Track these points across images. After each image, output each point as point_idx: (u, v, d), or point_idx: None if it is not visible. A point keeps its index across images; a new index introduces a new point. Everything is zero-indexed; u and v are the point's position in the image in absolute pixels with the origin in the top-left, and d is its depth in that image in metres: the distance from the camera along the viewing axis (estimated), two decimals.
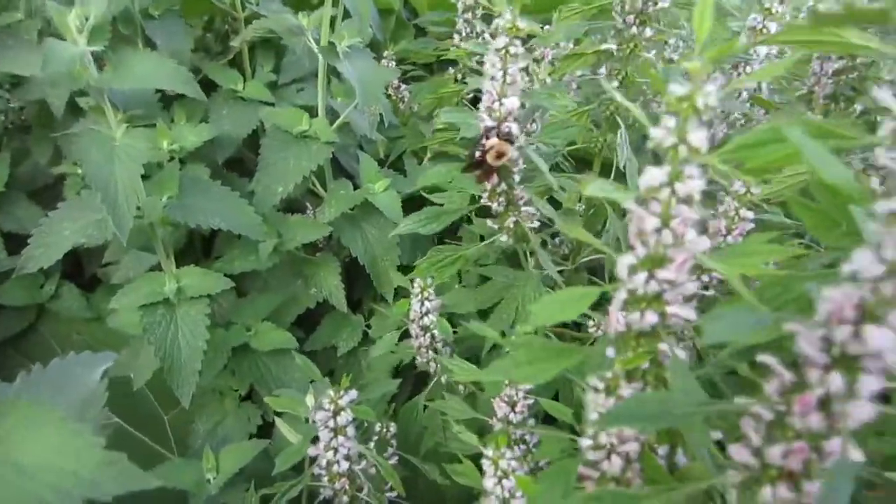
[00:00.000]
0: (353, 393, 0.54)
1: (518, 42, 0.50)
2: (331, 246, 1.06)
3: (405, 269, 1.00)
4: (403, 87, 1.06)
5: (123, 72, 0.70)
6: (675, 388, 0.29)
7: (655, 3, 0.60)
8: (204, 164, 1.02)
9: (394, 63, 1.07)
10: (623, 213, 0.64)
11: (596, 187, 0.28)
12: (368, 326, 1.01)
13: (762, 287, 0.31)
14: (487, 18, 0.87)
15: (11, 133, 1.12)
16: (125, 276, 1.05)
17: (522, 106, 0.54)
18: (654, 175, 0.29)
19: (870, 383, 0.23)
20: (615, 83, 0.64)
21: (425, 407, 0.69)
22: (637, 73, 0.63)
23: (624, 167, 0.58)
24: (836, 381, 0.24)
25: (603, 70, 0.65)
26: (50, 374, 0.44)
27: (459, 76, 1.00)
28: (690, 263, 0.30)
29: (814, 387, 0.24)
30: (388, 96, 1.08)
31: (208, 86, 1.10)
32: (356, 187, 0.98)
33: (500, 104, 0.52)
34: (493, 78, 0.52)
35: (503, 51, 0.51)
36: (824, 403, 0.24)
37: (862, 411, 0.24)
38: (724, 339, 0.28)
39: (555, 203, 0.73)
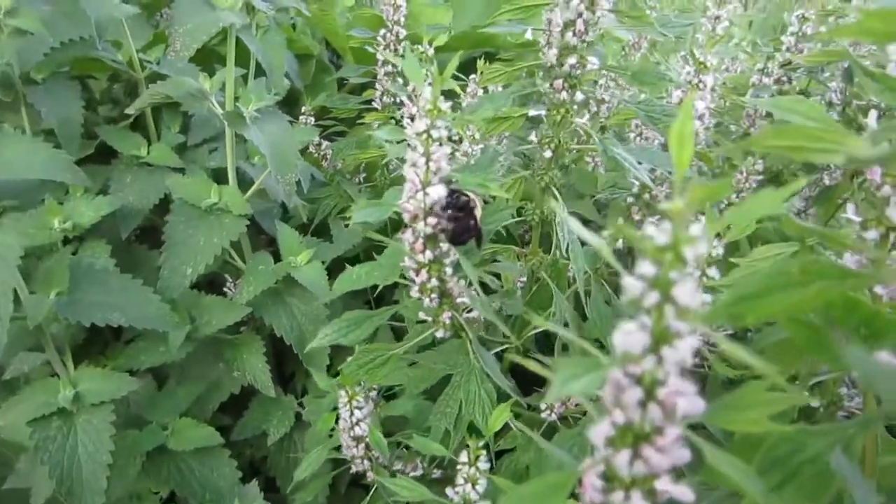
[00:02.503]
0: None
1: (441, 124, 0.45)
2: (254, 321, 0.96)
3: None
4: (325, 143, 0.99)
5: None
6: None
7: (583, 66, 0.56)
8: (105, 241, 0.90)
9: (312, 119, 0.99)
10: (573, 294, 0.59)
11: None
12: (301, 405, 0.92)
13: (770, 446, 0.25)
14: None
15: None
16: (19, 369, 0.91)
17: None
18: (633, 340, 0.23)
19: None
20: (548, 152, 0.59)
21: None
22: (570, 140, 0.59)
23: (567, 250, 0.53)
24: None
25: (533, 136, 0.60)
26: None
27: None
28: (681, 436, 0.24)
29: None
30: (309, 154, 1.00)
31: (108, 151, 0.99)
32: (279, 258, 0.89)
33: (425, 194, 0.46)
34: (414, 164, 0.46)
35: (424, 135, 0.45)
36: None
37: None
38: None
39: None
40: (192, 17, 0.78)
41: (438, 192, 0.46)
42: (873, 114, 0.35)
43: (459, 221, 0.49)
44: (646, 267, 0.23)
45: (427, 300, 0.52)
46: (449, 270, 0.51)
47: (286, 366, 1.02)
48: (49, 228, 0.83)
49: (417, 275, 0.51)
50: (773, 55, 0.85)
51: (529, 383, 0.68)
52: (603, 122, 0.78)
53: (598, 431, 0.25)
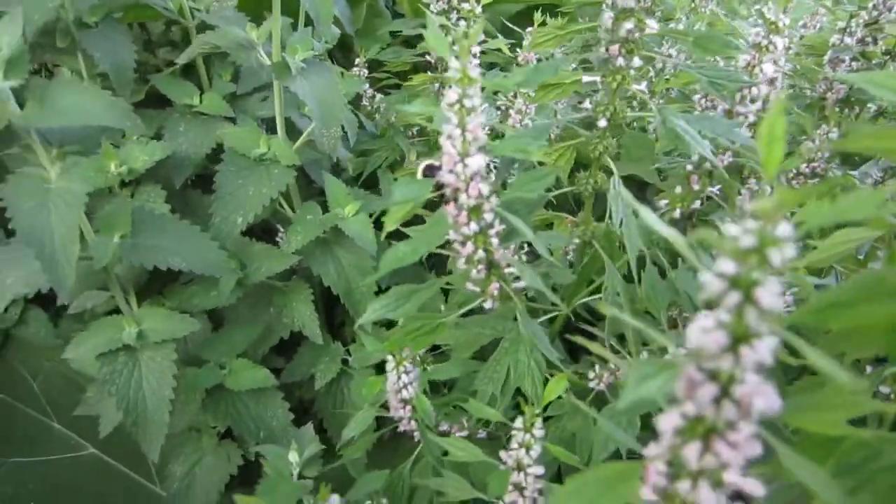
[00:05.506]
0: (335, 500, 0.48)
1: (473, 92, 0.43)
2: (304, 270, 0.98)
3: (388, 290, 0.94)
4: (379, 96, 0.97)
5: (50, 107, 0.61)
6: None
7: (641, 30, 0.52)
8: (160, 186, 0.92)
9: (366, 71, 0.97)
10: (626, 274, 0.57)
11: None
12: (349, 353, 0.95)
13: (845, 451, 0.25)
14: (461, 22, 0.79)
15: None
16: (83, 305, 0.97)
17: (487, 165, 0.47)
18: (711, 338, 0.23)
19: None
20: (603, 121, 0.56)
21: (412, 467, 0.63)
22: (627, 108, 0.56)
23: (621, 227, 0.51)
24: None
25: (587, 104, 0.57)
26: None
27: (437, 85, 0.91)
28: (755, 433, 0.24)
29: None
30: (363, 107, 0.99)
31: (161, 96, 1.00)
32: (328, 208, 0.90)
33: (464, 165, 0.45)
34: (450, 136, 0.45)
35: (457, 105, 0.43)
36: None
37: None
38: None
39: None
40: None
41: (478, 161, 0.45)
42: None
43: None
44: (726, 265, 0.23)
45: (474, 271, 0.52)
46: (495, 241, 0.51)
47: (336, 313, 1.05)
48: (106, 172, 0.86)
49: (463, 247, 0.50)
50: (858, 13, 0.78)
51: (578, 349, 0.68)
52: (668, 77, 0.74)
53: (667, 421, 0.25)
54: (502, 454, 0.48)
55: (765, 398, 0.23)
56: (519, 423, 0.47)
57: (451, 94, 0.42)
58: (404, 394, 0.57)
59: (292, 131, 0.93)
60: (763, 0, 0.60)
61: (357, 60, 0.99)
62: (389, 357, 0.57)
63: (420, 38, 0.96)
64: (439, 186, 0.49)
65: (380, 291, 0.92)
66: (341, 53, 1.24)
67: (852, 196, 0.23)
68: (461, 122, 0.44)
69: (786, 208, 0.21)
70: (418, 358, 0.65)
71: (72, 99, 0.61)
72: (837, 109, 0.75)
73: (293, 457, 0.69)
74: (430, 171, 0.52)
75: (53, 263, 0.61)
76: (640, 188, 0.85)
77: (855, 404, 0.24)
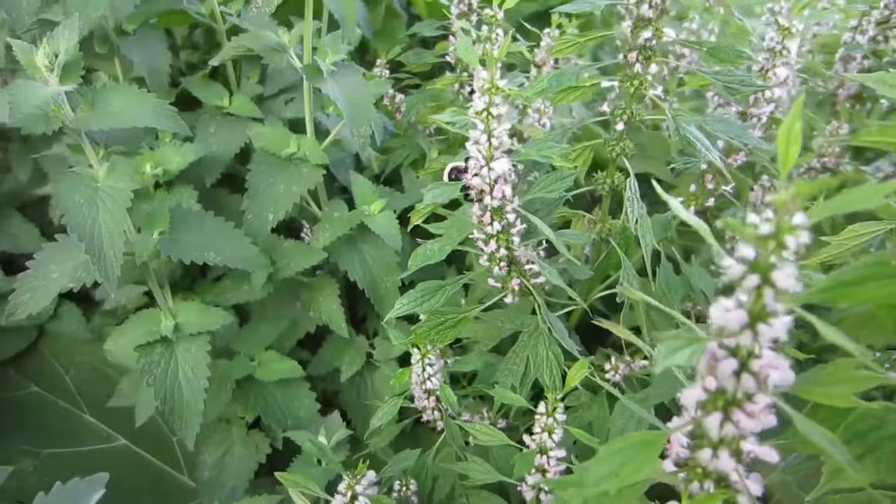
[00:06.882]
0: (372, 475, 0.51)
1: (500, 100, 0.46)
2: (329, 265, 1.02)
3: (411, 286, 0.96)
4: (399, 96, 1.00)
5: (101, 110, 0.65)
6: None
7: (659, 39, 0.55)
8: (192, 186, 0.96)
9: (387, 72, 1.00)
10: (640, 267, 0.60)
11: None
12: (373, 346, 0.98)
13: (853, 420, 0.27)
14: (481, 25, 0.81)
15: None
16: (117, 301, 1.01)
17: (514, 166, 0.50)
18: (731, 317, 0.26)
19: None
20: (620, 125, 0.59)
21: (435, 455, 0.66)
22: (643, 111, 0.58)
23: (636, 225, 0.54)
24: None
25: (605, 107, 0.60)
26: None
27: (457, 85, 0.94)
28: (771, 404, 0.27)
29: None
30: (384, 106, 1.02)
31: (189, 98, 1.04)
32: (352, 205, 0.93)
33: (490, 169, 0.48)
34: (477, 141, 0.47)
35: (484, 113, 0.46)
36: None
37: None
38: None
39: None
40: None
41: (502, 165, 0.48)
42: None
43: None
44: (746, 250, 0.26)
45: (496, 268, 0.54)
46: (516, 240, 0.53)
47: (359, 307, 1.08)
48: (142, 173, 0.90)
49: (486, 244, 0.53)
50: (870, 12, 0.80)
51: (593, 341, 0.71)
52: (682, 76, 0.76)
53: (690, 395, 0.28)
54: (526, 438, 0.51)
55: (780, 372, 0.26)
56: (542, 408, 0.49)
57: (479, 103, 0.45)
58: (428, 385, 0.60)
59: (317, 132, 0.96)
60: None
61: (378, 61, 1.02)
62: (414, 350, 0.60)
63: (438, 38, 0.98)
64: (464, 187, 0.53)
65: (404, 286, 0.95)
66: (360, 55, 1.27)
67: (862, 188, 0.25)
68: (487, 129, 0.47)
69: (801, 199, 0.24)
70: (439, 351, 0.68)
71: (121, 102, 0.64)
72: (849, 105, 0.77)
73: (322, 441, 0.72)
74: (456, 173, 0.55)
75: (102, 257, 0.64)
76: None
77: (863, 378, 0.26)
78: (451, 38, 0.95)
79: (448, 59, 0.96)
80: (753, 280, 0.25)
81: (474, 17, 0.89)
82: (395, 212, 0.91)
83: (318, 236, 0.91)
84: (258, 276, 0.87)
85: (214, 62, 0.89)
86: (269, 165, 0.89)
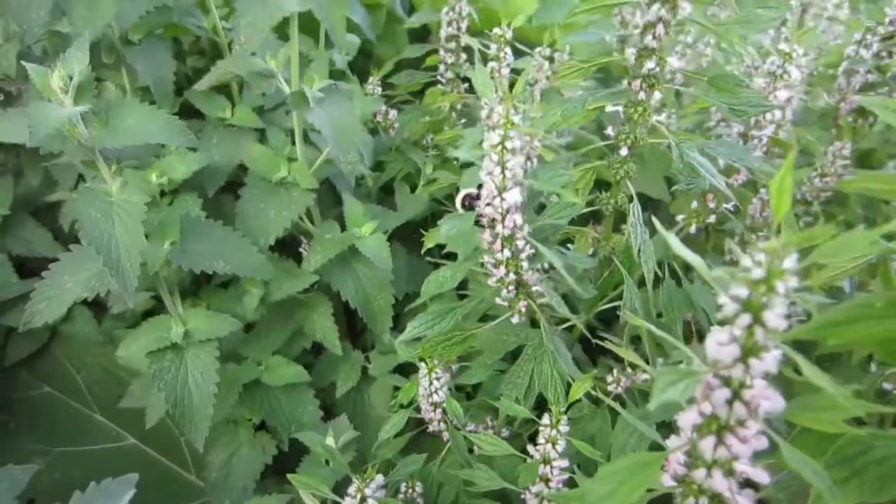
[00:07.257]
0: (380, 479, 0.53)
1: (514, 135, 0.47)
2: (323, 285, 1.03)
3: (406, 298, 0.98)
4: (393, 113, 1.01)
5: (114, 127, 0.66)
6: None
7: (662, 68, 0.57)
8: (196, 194, 0.98)
9: (379, 89, 1.01)
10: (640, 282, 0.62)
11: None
12: (368, 360, 0.99)
13: (841, 445, 0.30)
14: (470, 51, 0.83)
15: (6, 149, 1.07)
16: (125, 306, 1.03)
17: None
18: (725, 351, 0.28)
19: None
20: (624, 150, 0.61)
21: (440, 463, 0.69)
22: (647, 136, 0.60)
23: (639, 252, 0.56)
24: None
25: (610, 130, 0.61)
26: None
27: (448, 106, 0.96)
28: (761, 430, 0.29)
29: None
30: (377, 123, 1.03)
31: (194, 108, 1.05)
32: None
33: (502, 199, 0.50)
34: (490, 173, 0.49)
35: (499, 146, 0.48)
36: None
37: None
38: None
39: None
40: (252, 8, 0.78)
41: (514, 196, 0.50)
42: None
43: None
44: (739, 290, 0.28)
45: (505, 291, 0.56)
46: (525, 265, 0.55)
47: (357, 320, 1.09)
48: (148, 182, 0.91)
49: (496, 269, 0.55)
50: (874, 27, 0.79)
51: (596, 351, 0.73)
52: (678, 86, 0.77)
53: (686, 418, 0.30)
54: (530, 448, 0.53)
55: (771, 400, 0.28)
56: (546, 419, 0.52)
57: (494, 137, 0.47)
58: (435, 398, 0.62)
59: (313, 147, 0.97)
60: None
61: (371, 79, 1.02)
62: (422, 364, 0.62)
63: (430, 52, 0.99)
64: (470, 207, 0.54)
65: (397, 305, 0.96)
66: (363, 60, 1.28)
67: (851, 235, 0.27)
68: (501, 161, 0.48)
69: (790, 247, 0.26)
70: (444, 365, 0.70)
71: (133, 120, 0.66)
72: (851, 120, 0.78)
73: (330, 442, 0.74)
74: (469, 201, 0.57)
75: (119, 269, 0.66)
76: (656, 202, 0.89)
77: (849, 407, 0.29)
78: (440, 53, 0.95)
79: (438, 78, 0.97)
80: (746, 319, 0.27)
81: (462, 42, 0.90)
82: (386, 232, 0.91)
83: (310, 258, 0.92)
84: (249, 300, 0.89)
85: (201, 86, 0.90)
86: (260, 189, 0.90)
